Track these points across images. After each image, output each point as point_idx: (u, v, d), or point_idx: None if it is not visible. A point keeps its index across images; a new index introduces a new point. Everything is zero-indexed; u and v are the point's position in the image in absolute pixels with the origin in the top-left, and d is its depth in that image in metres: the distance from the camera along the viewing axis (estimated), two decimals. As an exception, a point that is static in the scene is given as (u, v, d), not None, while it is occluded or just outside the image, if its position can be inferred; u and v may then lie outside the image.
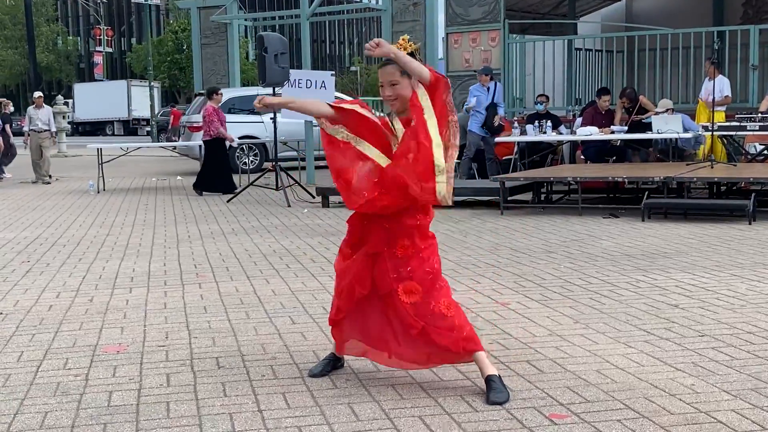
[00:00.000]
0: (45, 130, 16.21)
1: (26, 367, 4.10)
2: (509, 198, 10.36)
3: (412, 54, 3.58)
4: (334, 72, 14.83)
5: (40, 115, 16.31)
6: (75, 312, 5.28)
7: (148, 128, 47.71)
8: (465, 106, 12.79)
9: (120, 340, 4.58)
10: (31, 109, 16.44)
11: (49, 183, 15.90)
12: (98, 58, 60.80)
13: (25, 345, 4.52)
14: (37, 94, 16.91)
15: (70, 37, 72.46)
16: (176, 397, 3.62)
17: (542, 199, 10.95)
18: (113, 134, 48.16)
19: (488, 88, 12.66)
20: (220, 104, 13.51)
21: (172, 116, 36.13)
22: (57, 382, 3.87)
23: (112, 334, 4.72)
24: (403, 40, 3.63)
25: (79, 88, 51.01)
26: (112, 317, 5.13)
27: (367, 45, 3.54)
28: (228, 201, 11.92)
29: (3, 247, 8.12)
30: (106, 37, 61.65)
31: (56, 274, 6.65)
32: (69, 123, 31.11)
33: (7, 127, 17.94)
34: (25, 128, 16.43)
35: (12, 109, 16.28)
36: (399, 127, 3.66)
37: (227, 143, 13.45)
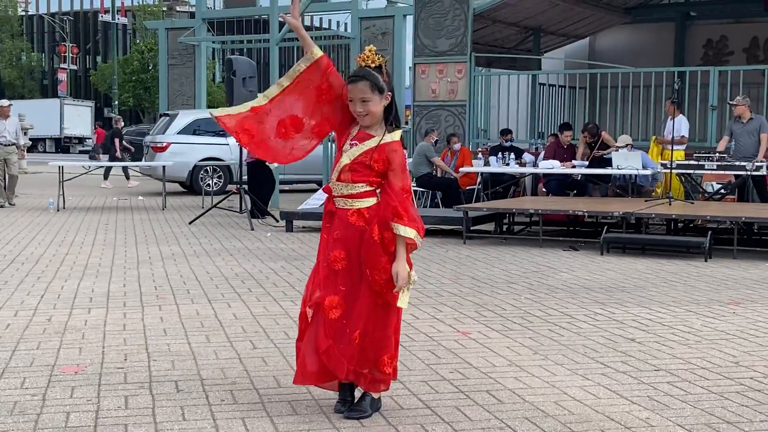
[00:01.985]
0: (12, 144, 14.73)
1: (-18, 386, 4.05)
2: (472, 228, 10.45)
3: (379, 68, 3.56)
4: (300, 97, 14.88)
5: (7, 126, 14.79)
6: (33, 331, 5.22)
7: (81, 147, 47.67)
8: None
9: (78, 361, 4.54)
10: None
11: (13, 205, 14.53)
12: (62, 75, 60.35)
13: (-19, 363, 4.46)
14: (6, 102, 15.32)
15: (35, 53, 71.78)
16: (134, 420, 3.59)
17: (504, 229, 11.06)
18: (44, 151, 47.93)
19: None
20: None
21: (96, 134, 37.33)
22: (14, 401, 3.82)
23: (71, 355, 4.67)
24: (369, 51, 3.58)
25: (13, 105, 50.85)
26: (71, 337, 5.08)
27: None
28: (190, 223, 11.86)
29: (-41, 264, 8.00)
30: (71, 54, 61.29)
31: (14, 292, 6.57)
32: (30, 139, 30.79)
33: None
34: None
35: None
36: (348, 145, 3.62)
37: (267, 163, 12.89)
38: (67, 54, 60.88)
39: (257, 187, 12.85)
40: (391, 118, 3.61)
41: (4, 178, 14.65)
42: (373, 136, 3.58)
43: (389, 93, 3.58)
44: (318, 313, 3.59)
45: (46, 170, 24.25)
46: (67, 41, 63.68)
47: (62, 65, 61.73)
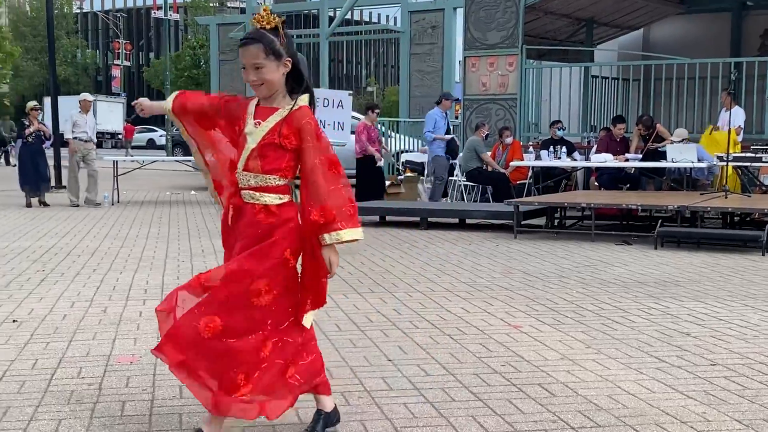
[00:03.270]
0: (90, 140, 14.04)
1: (41, 375, 4.13)
2: (523, 222, 10.37)
3: (275, 29, 3.08)
4: (351, 92, 14.92)
5: (88, 121, 14.05)
6: (89, 322, 5.32)
7: (113, 141, 48.41)
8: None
9: (133, 351, 4.61)
10: (76, 113, 13.95)
11: (99, 204, 13.82)
12: (116, 72, 61.35)
13: (39, 353, 4.56)
14: (90, 96, 14.74)
15: (89, 50, 73.09)
16: (189, 409, 3.64)
17: (555, 224, 10.95)
18: (64, 144, 48.85)
19: (446, 114, 12.99)
20: (374, 122, 13.35)
21: (125, 130, 38.34)
22: (71, 390, 3.89)
23: (126, 345, 4.75)
24: (265, 11, 3.10)
25: (48, 101, 51.77)
26: (126, 328, 5.16)
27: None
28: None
29: (18, 256, 8.18)
30: (124, 51, 62.29)
31: (71, 283, 6.70)
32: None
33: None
34: (67, 135, 13.93)
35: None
36: (251, 125, 3.13)
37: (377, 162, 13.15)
38: (120, 51, 61.90)
39: (366, 183, 12.96)
40: (300, 89, 3.13)
41: (76, 177, 13.93)
42: (278, 109, 3.10)
43: (289, 59, 3.08)
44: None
45: (100, 165, 24.65)
46: (120, 38, 64.72)
47: (116, 62, 62.78)
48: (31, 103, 14.65)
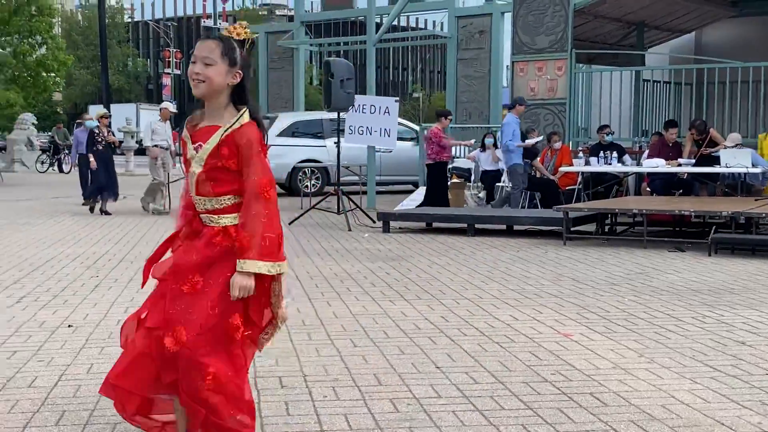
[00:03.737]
0: (168, 148, 14.08)
1: (95, 379, 4.19)
2: (572, 228, 10.26)
3: (243, 42, 3.02)
4: (398, 98, 14.94)
5: (167, 130, 14.20)
6: (142, 327, 5.39)
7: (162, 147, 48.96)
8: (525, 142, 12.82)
9: (185, 356, 4.66)
10: (155, 121, 14.16)
11: (165, 213, 13.70)
12: (166, 80, 62.22)
13: (94, 357, 4.64)
14: (172, 106, 14.87)
15: (140, 59, 74.31)
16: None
17: (606, 230, 10.82)
18: (121, 154, 49.43)
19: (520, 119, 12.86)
20: (446, 128, 13.39)
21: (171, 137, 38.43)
22: (125, 394, 3.95)
23: (178, 350, 4.80)
24: (240, 25, 3.06)
25: (92, 109, 52.62)
26: (178, 333, 5.22)
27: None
28: (290, 223, 12.05)
29: (73, 262, 8.34)
30: (174, 60, 63.18)
31: (124, 289, 6.80)
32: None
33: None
34: (147, 143, 14.14)
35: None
36: (191, 150, 3.01)
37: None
38: (170, 59, 62.79)
39: (436, 189, 12.95)
40: (243, 99, 3.02)
41: (168, 184, 14.05)
42: (218, 128, 2.96)
43: (239, 71, 2.98)
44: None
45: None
46: (171, 47, 65.68)
47: (166, 70, 63.67)
48: (101, 111, 14.87)
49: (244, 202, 2.94)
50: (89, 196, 14.11)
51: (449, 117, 13.67)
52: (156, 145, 13.90)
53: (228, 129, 2.95)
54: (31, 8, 21.84)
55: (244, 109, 3.00)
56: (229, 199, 2.97)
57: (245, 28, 3.03)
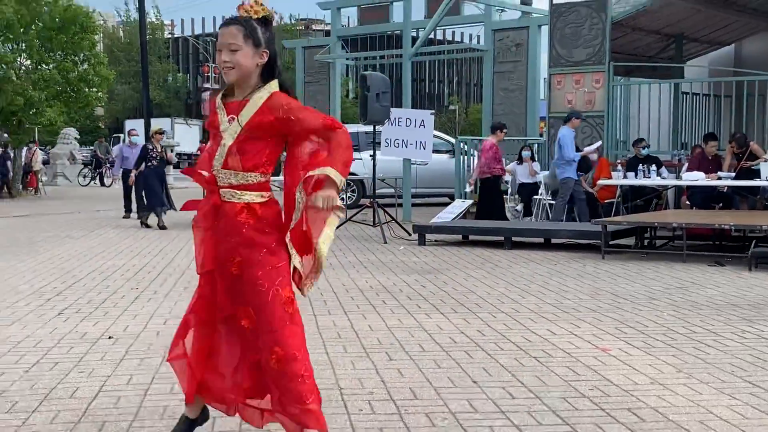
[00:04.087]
0: None
1: (135, 390, 4.26)
2: (611, 242, 10.19)
3: (265, 19, 3.02)
4: (433, 111, 14.95)
5: None
6: (180, 339, 5.45)
7: (189, 162, 49.44)
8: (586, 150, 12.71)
9: (223, 368, 4.70)
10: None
11: None
12: (205, 95, 62.88)
13: (134, 369, 4.70)
14: None
15: (180, 74, 75.20)
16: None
17: (645, 244, 10.72)
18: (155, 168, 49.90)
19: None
20: (500, 141, 13.27)
21: (200, 152, 39.14)
22: (164, 405, 4.00)
23: (216, 362, 4.84)
24: (254, 1, 3.02)
25: (129, 124, 53.29)
26: (216, 346, 5.27)
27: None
28: (327, 236, 12.09)
29: (114, 274, 8.45)
30: (213, 75, 63.81)
31: (163, 301, 6.88)
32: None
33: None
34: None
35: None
36: (225, 122, 3.04)
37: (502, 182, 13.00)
38: (209, 74, 63.45)
39: (488, 203, 12.88)
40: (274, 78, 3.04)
41: None
42: (248, 101, 2.99)
43: (266, 51, 3.00)
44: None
45: (192, 185, 25.31)
46: (209, 62, 66.37)
47: (205, 85, 64.37)
48: (156, 127, 15.04)
49: (322, 142, 3.04)
50: (147, 210, 14.05)
51: (504, 130, 13.49)
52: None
53: (260, 101, 2.99)
54: (75, 26, 22.24)
55: (272, 81, 3.03)
56: (255, 176, 3.01)
57: (261, 4, 3.01)
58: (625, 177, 12.54)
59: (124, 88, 60.97)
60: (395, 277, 8.24)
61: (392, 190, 15.53)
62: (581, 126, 14.05)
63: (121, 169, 15.71)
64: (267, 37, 3.01)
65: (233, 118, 3.00)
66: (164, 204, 13.96)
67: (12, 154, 22.49)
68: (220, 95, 3.09)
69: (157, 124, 26.08)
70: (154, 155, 14.24)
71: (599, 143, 13.10)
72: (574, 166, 12.40)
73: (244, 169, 3.01)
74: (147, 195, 14.12)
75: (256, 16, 3.00)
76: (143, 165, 14.11)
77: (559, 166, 12.49)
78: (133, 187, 14.51)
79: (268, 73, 3.03)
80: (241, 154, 3.00)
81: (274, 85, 3.02)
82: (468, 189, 14.03)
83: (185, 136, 50.66)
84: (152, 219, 13.93)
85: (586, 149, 12.65)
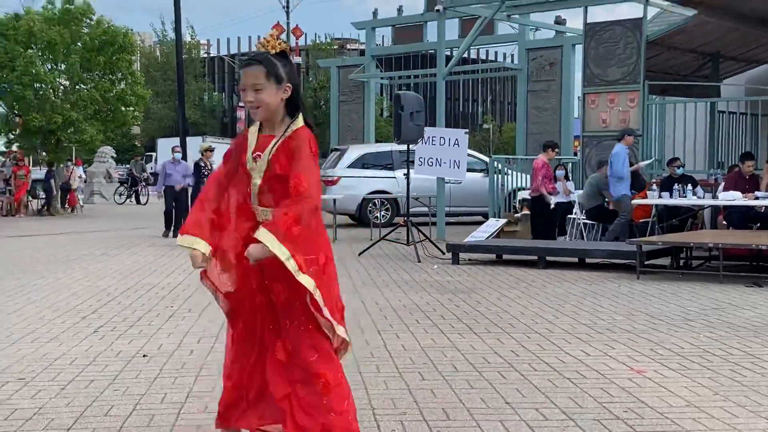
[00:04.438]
0: None
1: (169, 409, 4.29)
2: (646, 262, 10.08)
3: (283, 54, 3.09)
4: (467, 130, 14.95)
5: None
6: (215, 357, 5.48)
7: None
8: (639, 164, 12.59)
9: (256, 387, 4.72)
10: None
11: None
12: (240, 113, 63.40)
13: (168, 387, 4.73)
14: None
15: (215, 93, 76.01)
16: None
17: (681, 264, 10.60)
18: (188, 185, 50.30)
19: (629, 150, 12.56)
20: (551, 159, 13.18)
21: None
22: (197, 424, 4.02)
23: (249, 381, 4.86)
24: (271, 35, 3.12)
25: (162, 142, 53.68)
26: (249, 364, 5.29)
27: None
28: (359, 254, 12.12)
29: (148, 292, 8.54)
30: (255, 48, 64.32)
31: (197, 319, 6.93)
32: (151, 173, 32.63)
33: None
34: None
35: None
36: (251, 161, 3.11)
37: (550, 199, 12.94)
38: (244, 93, 64.01)
39: (539, 221, 12.82)
40: (297, 114, 3.11)
41: None
42: (274, 137, 3.07)
43: (289, 85, 3.08)
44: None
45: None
46: (245, 81, 66.93)
47: (240, 103, 64.98)
48: (205, 145, 15.17)
49: (291, 196, 2.97)
50: None
51: (556, 149, 13.36)
52: None
53: (282, 137, 3.04)
54: (113, 47, 22.62)
55: (297, 115, 3.09)
56: None
57: (278, 39, 3.08)
58: (660, 196, 12.42)
59: (159, 107, 61.72)
60: (429, 297, 8.22)
61: (426, 209, 15.53)
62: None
63: (164, 186, 15.76)
64: (288, 70, 3.08)
65: (259, 155, 3.08)
66: None
67: (53, 173, 22.80)
68: (255, 127, 3.16)
69: (193, 143, 26.49)
70: (205, 173, 14.31)
71: (651, 159, 12.98)
72: (626, 183, 12.26)
73: (279, 205, 3.06)
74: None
75: (274, 51, 3.07)
76: (184, 181, 14.28)
77: (612, 184, 12.37)
78: (168, 204, 14.69)
79: (293, 103, 3.11)
80: (272, 191, 3.08)
81: (299, 121, 3.09)
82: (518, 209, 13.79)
83: (218, 156, 51.11)
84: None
85: (639, 164, 12.53)
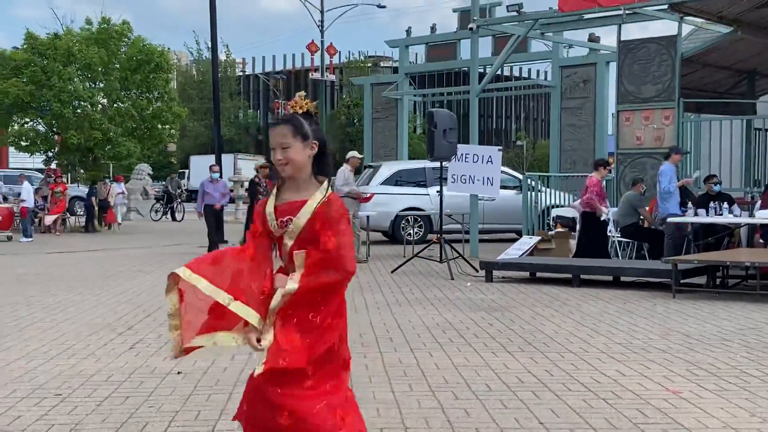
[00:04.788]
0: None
1: (203, 426, 4.32)
2: (682, 281, 9.98)
3: (308, 114, 3.19)
4: (501, 147, 14.93)
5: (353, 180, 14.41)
6: (248, 375, 5.50)
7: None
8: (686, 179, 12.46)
9: (289, 405, 4.74)
10: (347, 170, 14.27)
11: (364, 262, 13.57)
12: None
13: (202, 404, 4.77)
14: (357, 154, 14.84)
15: (251, 111, 76.68)
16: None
17: (717, 283, 10.47)
18: (226, 204, 50.59)
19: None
20: (603, 178, 12.92)
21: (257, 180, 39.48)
22: (231, 441, 4.05)
23: (282, 398, 4.88)
24: (299, 96, 3.24)
25: (195, 160, 54.01)
26: (282, 382, 5.31)
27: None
28: (392, 272, 12.13)
29: (183, 308, 8.59)
30: (283, 111, 64.86)
31: (231, 336, 6.96)
32: (186, 190, 32.90)
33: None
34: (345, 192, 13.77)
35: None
36: (272, 220, 3.15)
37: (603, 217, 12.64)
38: (279, 110, 64.61)
39: (590, 239, 12.52)
40: (324, 172, 3.20)
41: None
42: (306, 201, 3.11)
43: (315, 142, 3.16)
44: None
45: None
46: (279, 98, 67.61)
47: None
48: (260, 161, 15.02)
49: (315, 258, 3.02)
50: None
51: (608, 167, 13.10)
52: (347, 195, 13.72)
53: (318, 203, 3.09)
54: (150, 65, 22.95)
55: (327, 182, 3.18)
56: None
57: (305, 98, 3.20)
58: (696, 214, 12.29)
59: (195, 124, 62.33)
60: (462, 315, 8.20)
61: (459, 226, 15.51)
62: (650, 163, 13.87)
63: (204, 205, 15.56)
64: (313, 128, 3.18)
65: (290, 220, 3.11)
66: None
67: (96, 190, 22.96)
68: (273, 196, 3.21)
69: (227, 160, 26.87)
70: (261, 190, 14.08)
71: (697, 173, 12.83)
72: (675, 201, 12.12)
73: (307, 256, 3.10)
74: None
75: (301, 111, 3.18)
76: (223, 200, 14.20)
77: (661, 202, 12.25)
78: (209, 224, 14.69)
79: (318, 164, 3.19)
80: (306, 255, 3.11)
81: (325, 186, 3.16)
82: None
83: (247, 171, 51.62)
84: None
85: (684, 180, 12.41)
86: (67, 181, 27.86)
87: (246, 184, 21.63)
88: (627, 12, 13.56)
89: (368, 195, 17.94)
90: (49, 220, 21.70)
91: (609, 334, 7.12)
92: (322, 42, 42.62)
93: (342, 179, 14.03)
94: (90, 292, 9.97)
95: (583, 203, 12.66)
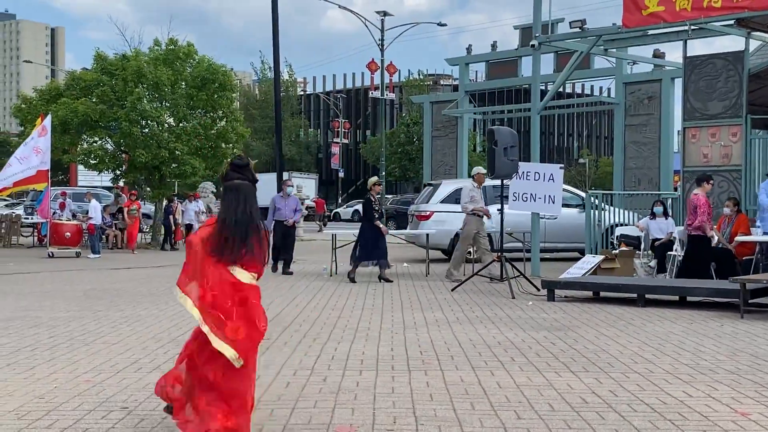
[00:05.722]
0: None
1: (266, 440, 4.35)
2: (750, 301, 9.73)
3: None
4: (562, 165, 14.81)
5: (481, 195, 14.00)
6: (310, 390, 5.55)
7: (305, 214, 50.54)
8: None
9: (351, 421, 4.75)
10: (472, 187, 13.97)
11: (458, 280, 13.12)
12: (335, 149, 64.51)
13: (265, 419, 4.81)
14: (483, 170, 14.12)
15: (311, 129, 77.43)
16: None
17: (787, 303, 10.18)
18: (297, 221, 51.10)
19: None
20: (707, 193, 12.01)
21: (316, 204, 41.60)
22: (293, 456, 4.07)
23: (344, 415, 4.91)
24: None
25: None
26: (344, 398, 5.34)
27: None
28: (453, 290, 12.08)
29: (246, 324, 8.68)
30: (343, 129, 65.54)
31: (293, 353, 7.03)
32: None
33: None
34: (468, 209, 13.74)
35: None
36: None
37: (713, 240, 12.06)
38: (339, 129, 65.19)
39: (697, 260, 11.82)
40: None
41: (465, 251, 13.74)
42: None
43: None
44: None
45: (320, 237, 25.86)
46: (340, 117, 68.20)
47: (335, 140, 66.11)
48: (374, 179, 14.69)
49: None
50: (358, 261, 13.80)
51: (711, 181, 12.22)
52: (474, 212, 13.60)
53: None
54: (214, 85, 23.36)
55: None
56: None
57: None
58: (765, 233, 11.99)
59: (258, 143, 63.19)
60: (524, 333, 8.13)
61: (520, 245, 15.38)
62: (717, 180, 13.59)
63: (274, 221, 15.33)
64: None
65: None
66: (385, 257, 13.73)
67: (172, 208, 23.12)
68: None
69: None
70: (377, 207, 13.85)
71: None
72: None
73: None
74: (370, 248, 13.70)
75: None
76: (294, 215, 14.35)
77: (762, 218, 11.93)
78: (276, 239, 14.81)
79: None
80: None
81: None
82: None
83: (303, 190, 51.99)
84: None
85: None
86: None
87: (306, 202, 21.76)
88: (693, 28, 13.36)
89: (428, 213, 17.94)
90: (132, 239, 22.08)
91: (675, 354, 6.98)
92: (382, 61, 42.87)
93: (467, 196, 13.86)
94: (156, 306, 10.14)
95: (694, 227, 11.71)
